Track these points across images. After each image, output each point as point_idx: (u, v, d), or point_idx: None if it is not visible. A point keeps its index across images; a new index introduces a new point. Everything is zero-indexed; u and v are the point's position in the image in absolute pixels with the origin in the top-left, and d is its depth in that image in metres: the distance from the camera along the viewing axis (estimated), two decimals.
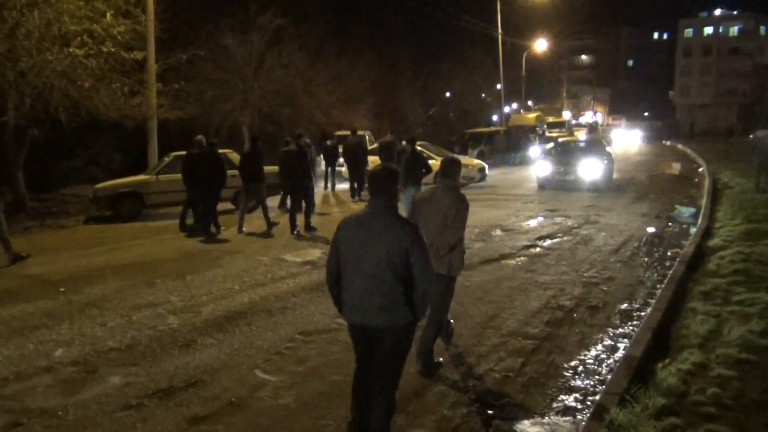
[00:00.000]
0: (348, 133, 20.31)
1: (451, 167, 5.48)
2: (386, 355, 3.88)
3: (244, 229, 12.49)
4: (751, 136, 17.75)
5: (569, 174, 18.74)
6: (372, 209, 3.89)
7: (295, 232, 11.93)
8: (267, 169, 12.91)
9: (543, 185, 19.21)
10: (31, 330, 6.57)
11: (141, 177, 15.01)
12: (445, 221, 5.19)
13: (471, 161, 21.07)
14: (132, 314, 7.07)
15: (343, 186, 19.05)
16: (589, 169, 18.40)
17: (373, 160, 18.00)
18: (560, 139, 27.24)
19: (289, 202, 12.90)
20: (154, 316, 6.99)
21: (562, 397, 4.98)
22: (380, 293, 3.77)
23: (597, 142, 22.43)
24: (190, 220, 12.66)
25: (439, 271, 5.08)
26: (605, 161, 19.24)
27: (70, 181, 21.23)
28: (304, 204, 12.16)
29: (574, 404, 4.85)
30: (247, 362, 5.65)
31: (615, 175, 21.09)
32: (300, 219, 12.12)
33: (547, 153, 22.82)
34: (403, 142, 13.51)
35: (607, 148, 21.99)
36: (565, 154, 20.47)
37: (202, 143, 12.26)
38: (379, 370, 3.92)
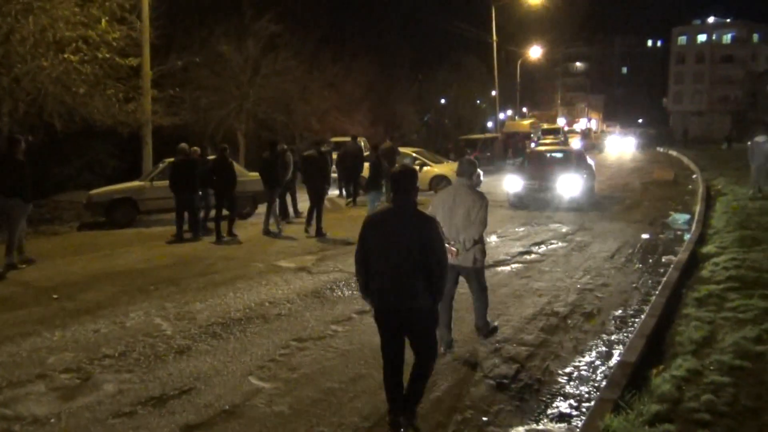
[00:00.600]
0: (348, 139, 20.48)
1: (468, 167, 6.11)
2: (421, 335, 4.38)
3: (273, 230, 12.92)
4: (749, 142, 17.65)
5: (544, 190, 16.29)
6: (396, 206, 4.34)
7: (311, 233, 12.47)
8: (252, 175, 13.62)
9: (515, 203, 16.55)
10: (23, 337, 6.54)
11: (135, 183, 14.97)
12: (469, 218, 5.72)
13: None
14: (126, 321, 7.04)
15: (334, 192, 19.10)
16: (568, 185, 15.99)
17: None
18: (535, 149, 23.48)
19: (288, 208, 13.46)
20: (148, 323, 6.97)
21: (557, 403, 4.98)
22: (404, 280, 4.20)
23: (577, 153, 18.96)
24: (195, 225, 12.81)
25: (466, 265, 5.83)
26: (585, 175, 16.71)
27: (64, 188, 21.14)
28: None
29: (568, 411, 4.85)
30: (241, 369, 5.63)
31: (601, 186, 20.92)
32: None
33: (520, 166, 19.66)
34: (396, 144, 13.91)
35: (588, 160, 19.36)
36: (539, 167, 17.79)
37: (185, 151, 12.45)
38: (416, 352, 4.42)
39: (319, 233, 12.36)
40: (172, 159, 14.71)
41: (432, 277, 4.20)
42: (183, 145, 12.73)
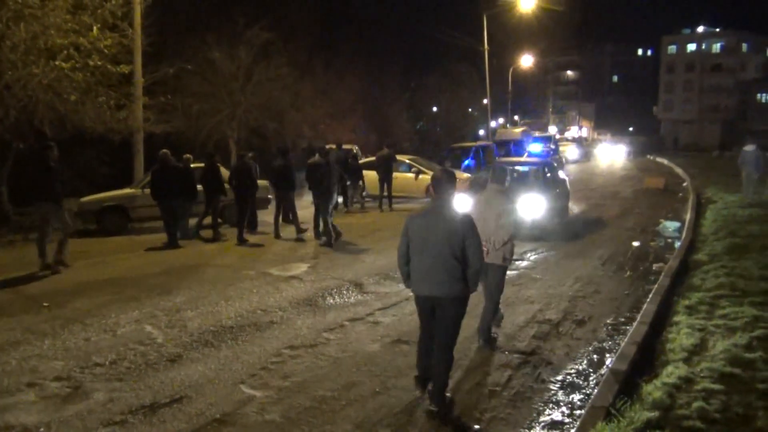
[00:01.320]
0: (345, 146, 20.73)
1: (501, 174, 7.00)
2: (446, 319, 4.87)
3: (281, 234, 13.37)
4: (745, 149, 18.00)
5: None
6: (436, 205, 4.93)
7: (322, 240, 12.59)
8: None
9: None
10: (13, 345, 6.49)
11: (126, 191, 14.91)
12: (500, 220, 6.27)
13: (461, 175, 21.18)
14: (116, 329, 7.00)
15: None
16: (532, 206, 12.91)
17: (368, 173, 18.36)
18: (498, 161, 18.98)
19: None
20: (139, 331, 6.93)
21: (549, 411, 4.99)
22: (442, 270, 4.75)
23: (546, 166, 15.67)
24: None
25: (495, 262, 6.33)
26: (554, 194, 13.77)
27: None
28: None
29: (560, 418, 4.86)
30: (233, 377, 5.61)
31: (588, 195, 21.00)
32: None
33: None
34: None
35: (561, 174, 17.14)
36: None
37: (165, 158, 12.61)
38: (440, 332, 4.91)
39: (325, 241, 12.45)
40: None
41: (469, 268, 4.77)
42: (164, 151, 12.86)
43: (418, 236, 4.88)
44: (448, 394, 5.00)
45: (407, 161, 20.34)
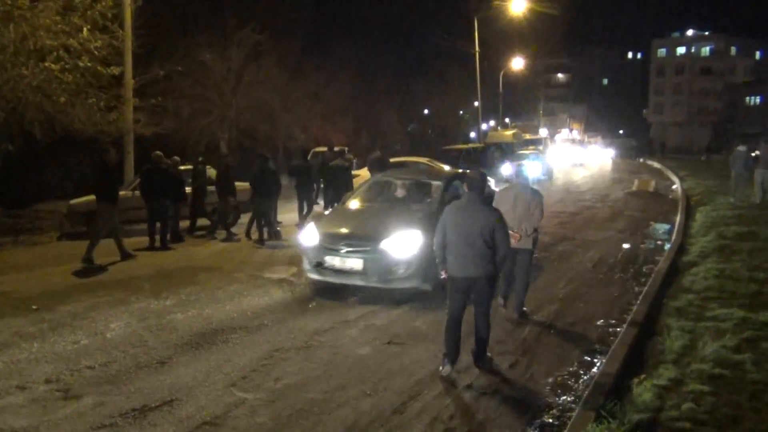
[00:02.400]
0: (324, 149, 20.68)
1: (524, 171, 7.79)
2: (482, 294, 5.74)
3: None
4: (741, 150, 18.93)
5: (346, 265, 8.40)
6: (469, 199, 5.75)
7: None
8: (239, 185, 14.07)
9: (307, 272, 8.99)
10: (2, 348, 6.43)
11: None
12: (529, 210, 7.13)
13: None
14: (106, 332, 6.97)
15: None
16: (394, 250, 8.15)
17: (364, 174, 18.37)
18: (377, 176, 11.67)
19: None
20: (129, 334, 6.90)
21: (539, 413, 5.00)
22: (475, 255, 5.57)
23: (460, 181, 10.00)
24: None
25: (526, 247, 7.27)
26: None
27: (44, 197, 20.90)
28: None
29: (550, 421, 4.87)
30: (223, 380, 5.59)
31: (578, 198, 20.98)
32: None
33: (331, 212, 11.32)
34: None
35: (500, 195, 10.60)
36: (363, 210, 9.78)
37: (158, 159, 12.73)
38: (479, 304, 5.79)
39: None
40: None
41: (497, 253, 5.61)
42: (157, 153, 12.91)
43: (454, 227, 5.67)
44: (488, 354, 5.94)
45: (426, 163, 20.66)
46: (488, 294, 5.78)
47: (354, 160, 17.85)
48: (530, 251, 7.37)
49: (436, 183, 9.98)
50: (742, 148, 18.54)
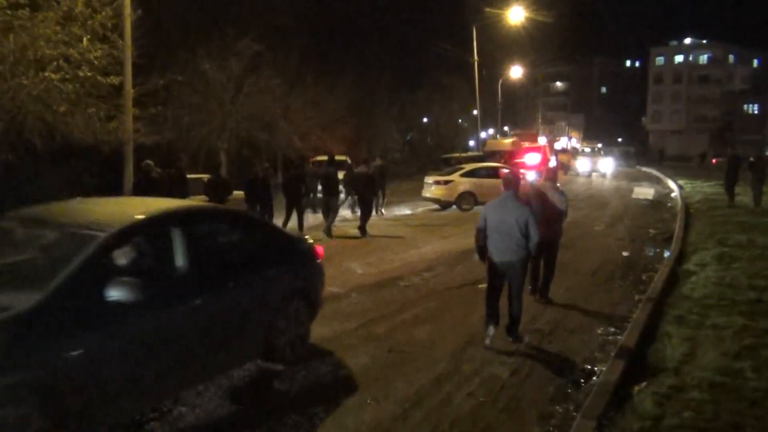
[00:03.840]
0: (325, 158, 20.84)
1: (554, 173, 9.07)
2: (517, 276, 6.73)
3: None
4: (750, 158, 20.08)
5: None
6: (506, 197, 6.71)
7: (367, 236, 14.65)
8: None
9: None
10: None
11: None
12: (556, 204, 8.32)
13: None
14: None
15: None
16: None
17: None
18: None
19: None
20: None
21: (540, 422, 4.98)
22: (511, 243, 6.56)
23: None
24: None
25: (552, 238, 8.28)
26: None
27: None
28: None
29: (551, 429, 4.85)
30: (213, 392, 5.56)
31: (584, 205, 20.96)
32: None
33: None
34: None
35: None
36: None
37: (148, 167, 12.86)
38: (514, 285, 6.77)
39: (363, 232, 14.70)
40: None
41: (531, 241, 6.53)
42: (148, 162, 12.98)
43: (494, 219, 6.66)
44: (519, 330, 6.89)
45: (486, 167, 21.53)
46: (522, 275, 6.78)
47: (378, 166, 18.64)
48: (557, 242, 8.54)
49: (94, 237, 4.51)
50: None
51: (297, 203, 15.02)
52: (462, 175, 20.56)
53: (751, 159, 19.60)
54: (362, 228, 14.78)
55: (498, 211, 6.68)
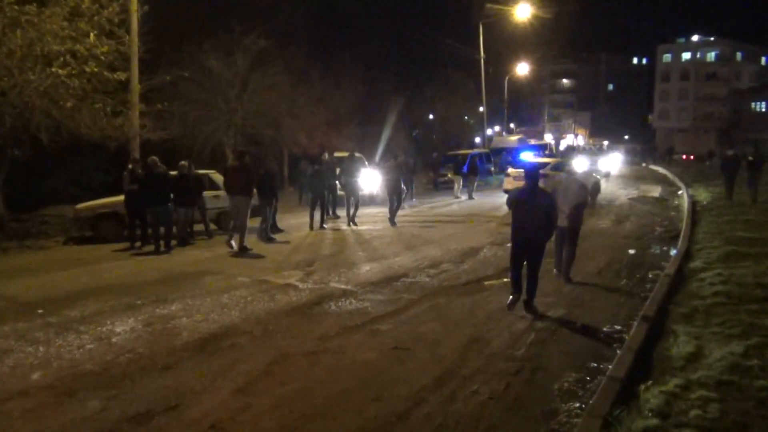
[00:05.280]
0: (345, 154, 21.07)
1: (574, 168, 11.04)
2: (536, 255, 7.78)
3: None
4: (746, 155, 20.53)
5: None
6: (529, 186, 7.74)
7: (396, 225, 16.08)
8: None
9: None
10: (6, 352, 6.45)
11: (122, 197, 14.87)
12: (577, 198, 9.29)
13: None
14: (111, 336, 6.97)
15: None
16: None
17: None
18: None
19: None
20: (134, 339, 6.90)
21: (546, 419, 4.96)
22: (534, 225, 7.59)
23: None
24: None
25: (573, 226, 9.41)
26: None
27: (50, 202, 20.96)
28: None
29: (557, 427, 4.84)
30: (229, 385, 5.57)
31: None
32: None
33: None
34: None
35: None
36: None
37: (154, 164, 12.86)
38: (532, 263, 7.78)
39: (392, 222, 16.22)
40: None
41: (550, 224, 7.70)
42: (153, 158, 13.03)
43: (520, 203, 7.71)
44: (534, 304, 7.76)
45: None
46: (540, 255, 7.76)
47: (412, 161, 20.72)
48: (576, 229, 9.48)
49: None
50: (730, 152, 20.50)
51: (322, 197, 16.00)
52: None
53: (750, 158, 20.18)
54: (392, 219, 16.31)
55: (524, 198, 7.71)
